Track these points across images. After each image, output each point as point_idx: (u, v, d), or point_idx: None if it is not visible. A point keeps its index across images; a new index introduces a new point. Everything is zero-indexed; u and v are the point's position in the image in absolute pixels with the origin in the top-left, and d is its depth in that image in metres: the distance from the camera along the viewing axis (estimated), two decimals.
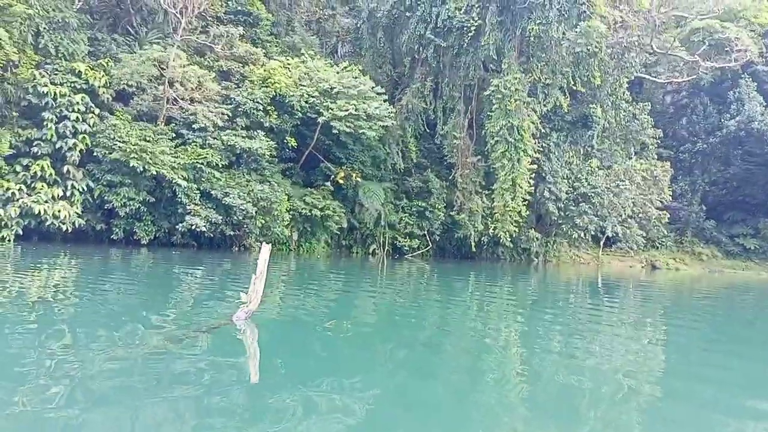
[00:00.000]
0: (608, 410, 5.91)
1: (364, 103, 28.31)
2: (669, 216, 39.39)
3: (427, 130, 33.25)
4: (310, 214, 28.41)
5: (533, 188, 32.55)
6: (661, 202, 37.37)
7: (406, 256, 32.75)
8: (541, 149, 32.85)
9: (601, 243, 38.98)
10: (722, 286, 30.25)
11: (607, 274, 32.93)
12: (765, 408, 6.36)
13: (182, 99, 25.52)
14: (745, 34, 39.08)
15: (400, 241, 33.03)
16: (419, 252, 33.53)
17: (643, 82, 44.74)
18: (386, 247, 32.75)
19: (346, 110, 27.56)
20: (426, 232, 33.48)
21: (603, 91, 33.37)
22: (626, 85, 36.04)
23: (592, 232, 35.23)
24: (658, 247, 42.65)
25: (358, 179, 30.12)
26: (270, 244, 8.85)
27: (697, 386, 7.13)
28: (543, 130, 32.62)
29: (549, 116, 33.26)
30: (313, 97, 27.97)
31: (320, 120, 28.00)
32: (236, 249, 27.06)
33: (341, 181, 29.68)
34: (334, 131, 28.14)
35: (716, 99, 45.48)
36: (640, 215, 36.29)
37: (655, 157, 39.23)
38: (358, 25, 35.32)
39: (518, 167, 28.39)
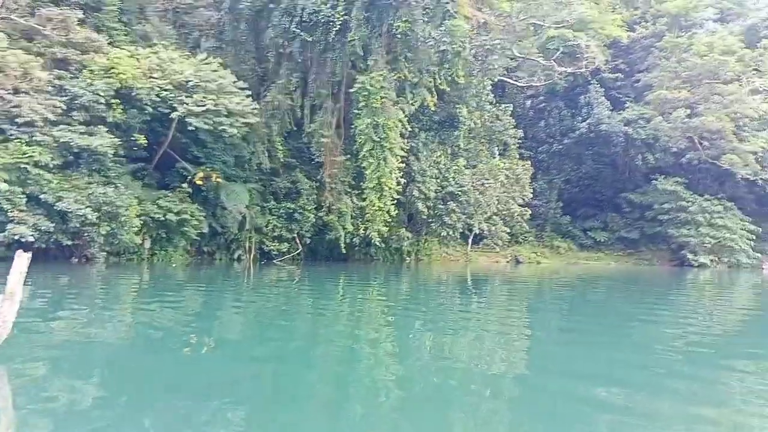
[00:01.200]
0: (478, 407, 5.59)
1: (224, 98, 26.34)
2: (530, 213, 41.42)
3: (295, 129, 31.84)
4: (164, 219, 25.90)
5: (403, 188, 32.50)
6: (522, 199, 39.11)
7: (274, 261, 31.16)
8: (410, 149, 32.84)
9: (470, 240, 40.05)
10: (577, 276, 32.20)
11: (476, 270, 33.88)
12: (613, 393, 6.28)
13: (2, 88, 21.93)
14: (594, 43, 42.17)
15: (268, 246, 31.36)
16: (289, 256, 32.10)
17: (506, 86, 46.80)
18: (253, 253, 30.95)
19: (204, 105, 25.46)
20: (296, 235, 32.11)
21: (468, 92, 34.11)
22: (490, 87, 37.23)
23: (461, 230, 35.94)
24: (521, 243, 44.75)
25: (219, 180, 28.02)
26: (29, 253, 6.76)
27: (556, 370, 7.26)
28: (411, 130, 32.61)
29: (417, 116, 33.35)
30: (165, 90, 25.49)
31: (174, 115, 25.62)
32: (76, 260, 23.92)
33: (200, 183, 27.41)
34: (191, 128, 25.88)
35: (570, 103, 48.77)
36: (504, 212, 37.68)
37: (517, 156, 41.01)
38: (221, 17, 33.01)
39: (384, 166, 27.93)
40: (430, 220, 35.22)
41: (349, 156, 30.79)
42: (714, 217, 44.34)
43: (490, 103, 37.45)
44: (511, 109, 40.70)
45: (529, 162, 41.15)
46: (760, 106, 45.49)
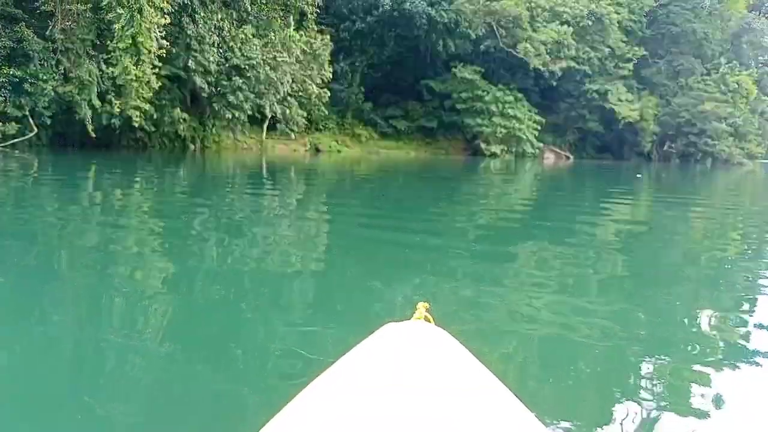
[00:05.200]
0: (275, 296, 4.99)
1: None
2: (330, 96, 37.89)
3: None
4: None
5: (180, 59, 26.59)
6: (321, 79, 35.15)
7: None
8: (183, 7, 26.46)
9: (264, 126, 35.57)
10: (377, 167, 30.49)
11: (272, 160, 30.41)
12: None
13: None
14: None
15: None
16: (23, 140, 24.75)
17: None
18: None
19: None
20: (29, 113, 24.62)
21: None
22: None
23: (250, 112, 31.09)
24: (321, 130, 41.65)
25: None
26: None
27: (353, 258, 7.01)
28: None
29: None
30: None
31: None
32: None
33: None
34: None
35: None
36: (301, 93, 33.51)
37: (315, 29, 36.27)
38: None
39: (140, 20, 21.44)
40: (213, 99, 29.75)
41: (91, 5, 23.37)
42: (506, 108, 45.60)
43: None
44: None
45: (329, 37, 36.84)
46: None
